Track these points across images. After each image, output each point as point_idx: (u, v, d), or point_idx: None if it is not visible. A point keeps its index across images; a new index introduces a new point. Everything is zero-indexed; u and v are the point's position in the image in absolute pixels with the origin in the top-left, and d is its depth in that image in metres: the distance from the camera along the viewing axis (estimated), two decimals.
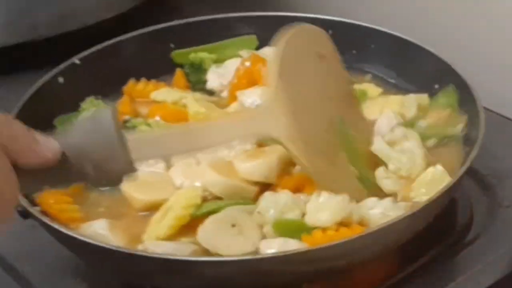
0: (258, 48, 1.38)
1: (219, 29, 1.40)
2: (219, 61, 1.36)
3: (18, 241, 1.14)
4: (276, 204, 1.00)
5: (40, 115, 1.20)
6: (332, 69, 1.10)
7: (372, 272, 1.04)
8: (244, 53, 1.36)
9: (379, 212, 1.01)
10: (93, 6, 1.57)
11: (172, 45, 1.38)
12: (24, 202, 1.01)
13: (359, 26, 1.35)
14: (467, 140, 1.12)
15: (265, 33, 1.35)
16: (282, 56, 1.01)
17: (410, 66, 1.28)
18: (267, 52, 1.34)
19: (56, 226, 0.99)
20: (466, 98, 1.14)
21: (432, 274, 1.04)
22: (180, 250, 0.99)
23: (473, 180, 1.15)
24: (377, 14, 1.49)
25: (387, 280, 1.04)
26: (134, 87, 1.32)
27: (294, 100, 0.99)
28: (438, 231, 1.05)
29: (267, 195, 1.02)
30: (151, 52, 1.36)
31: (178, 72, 1.36)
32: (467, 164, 1.01)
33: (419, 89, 1.25)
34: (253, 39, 1.40)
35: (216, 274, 0.93)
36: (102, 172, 0.85)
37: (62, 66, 1.28)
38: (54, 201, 1.06)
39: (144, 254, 0.96)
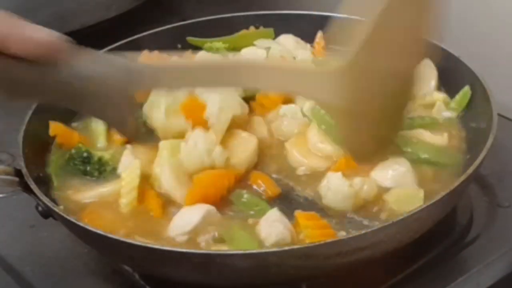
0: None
1: (226, 27, 1.40)
2: (235, 50, 1.36)
3: (18, 242, 1.14)
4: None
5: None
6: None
7: (373, 273, 1.05)
8: (259, 42, 1.36)
9: None
10: (93, 6, 1.58)
11: (179, 45, 1.40)
12: (47, 201, 1.01)
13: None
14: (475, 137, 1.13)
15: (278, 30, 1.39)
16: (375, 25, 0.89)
17: None
18: (283, 41, 1.36)
19: (81, 224, 0.98)
20: (480, 102, 1.15)
21: (432, 274, 1.04)
22: None
23: (474, 180, 1.15)
24: None
25: (388, 280, 1.04)
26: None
27: (361, 75, 0.91)
28: (438, 232, 1.05)
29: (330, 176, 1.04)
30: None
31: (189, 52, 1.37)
32: (484, 153, 1.02)
33: None
34: (270, 31, 1.39)
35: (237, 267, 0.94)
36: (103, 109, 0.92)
37: None
38: None
39: (158, 247, 0.95)
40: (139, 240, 0.97)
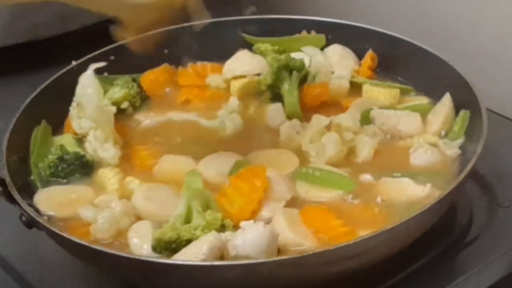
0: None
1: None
2: (283, 52, 1.31)
3: (18, 243, 1.14)
4: None
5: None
6: None
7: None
8: (306, 49, 1.32)
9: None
10: None
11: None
12: (31, 212, 1.01)
13: (356, 27, 1.33)
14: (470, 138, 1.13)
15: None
16: None
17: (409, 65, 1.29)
18: (330, 52, 1.33)
19: (65, 235, 0.98)
20: (468, 101, 1.14)
21: (432, 274, 1.04)
22: None
23: (473, 180, 1.15)
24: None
25: (388, 280, 1.04)
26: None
27: None
28: (438, 232, 1.05)
29: None
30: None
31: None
32: (473, 160, 1.02)
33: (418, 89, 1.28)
34: (321, 38, 1.36)
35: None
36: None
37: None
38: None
39: (149, 259, 0.96)
40: (123, 252, 0.97)
